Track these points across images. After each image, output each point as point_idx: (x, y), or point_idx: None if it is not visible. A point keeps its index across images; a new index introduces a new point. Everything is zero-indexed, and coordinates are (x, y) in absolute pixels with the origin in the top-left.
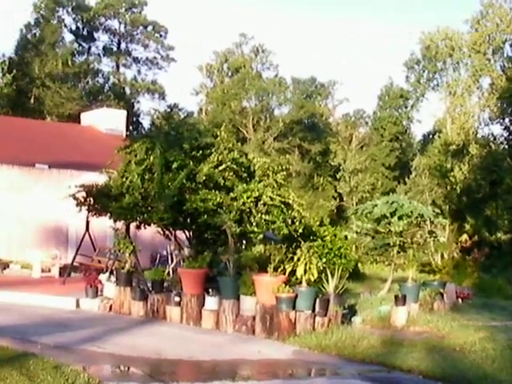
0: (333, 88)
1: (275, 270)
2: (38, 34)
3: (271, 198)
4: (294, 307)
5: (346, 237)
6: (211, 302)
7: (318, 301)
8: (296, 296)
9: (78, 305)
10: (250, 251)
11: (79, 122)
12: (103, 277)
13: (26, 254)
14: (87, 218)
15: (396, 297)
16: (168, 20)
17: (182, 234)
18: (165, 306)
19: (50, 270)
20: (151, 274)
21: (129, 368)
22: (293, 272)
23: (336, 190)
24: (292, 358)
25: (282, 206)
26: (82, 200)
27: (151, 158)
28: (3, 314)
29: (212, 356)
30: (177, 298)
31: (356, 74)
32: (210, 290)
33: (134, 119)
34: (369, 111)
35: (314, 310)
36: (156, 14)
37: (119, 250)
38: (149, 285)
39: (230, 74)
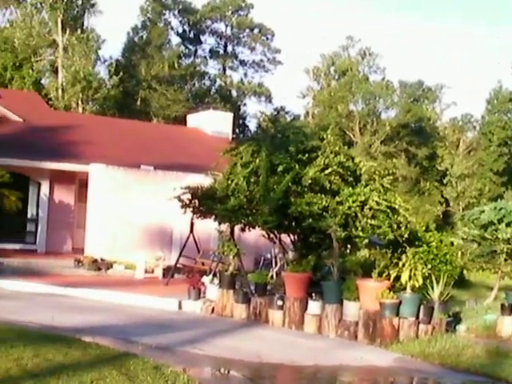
0: (440, 91)
1: (379, 275)
2: (144, 37)
3: (377, 203)
4: (397, 314)
5: (452, 243)
6: (314, 306)
7: (422, 308)
8: (400, 302)
9: (180, 306)
10: (355, 256)
11: (185, 124)
12: (206, 279)
13: (131, 254)
14: (192, 219)
15: (502, 305)
16: (274, 23)
17: (286, 238)
18: (267, 309)
19: (153, 271)
20: (254, 277)
21: (229, 371)
22: (397, 278)
23: (442, 195)
24: (394, 366)
25: (388, 210)
26: (187, 202)
27: (257, 160)
28: (106, 314)
29: (313, 361)
30: (279, 302)
31: (464, 77)
32: (314, 295)
33: (241, 122)
34: (477, 115)
35: (417, 317)
36: (262, 16)
37: (223, 253)
38: (252, 288)
39: (336, 77)
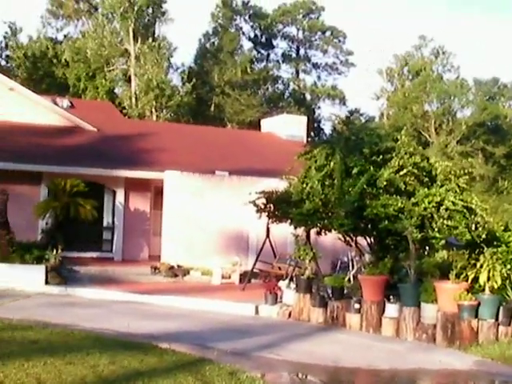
0: None
1: (457, 276)
2: (216, 43)
3: (453, 203)
4: (476, 316)
5: None
6: (392, 309)
7: (501, 309)
8: (478, 304)
9: (257, 311)
10: (432, 257)
11: (259, 129)
12: (283, 283)
13: (207, 260)
14: (267, 224)
15: None
16: (346, 25)
17: (362, 240)
18: (344, 312)
19: (230, 277)
20: (331, 281)
21: (306, 376)
22: (475, 279)
23: None
24: (474, 369)
25: (465, 210)
26: (263, 206)
27: (331, 163)
28: (182, 320)
29: (391, 364)
30: (357, 305)
31: None
32: (391, 297)
33: (315, 125)
34: None
35: (497, 319)
36: (333, 18)
37: (299, 257)
38: (329, 291)
39: (410, 77)
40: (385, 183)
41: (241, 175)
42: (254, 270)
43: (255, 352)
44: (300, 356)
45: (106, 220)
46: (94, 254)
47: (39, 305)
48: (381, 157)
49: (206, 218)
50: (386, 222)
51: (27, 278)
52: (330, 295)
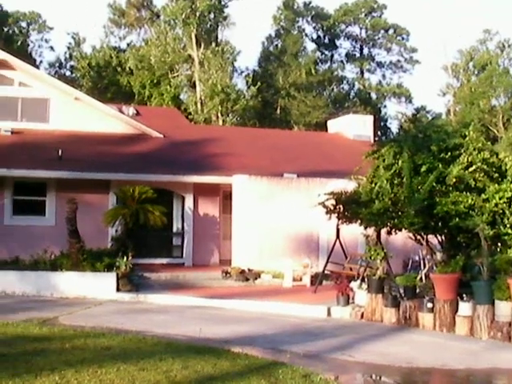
0: None
1: None
2: (279, 45)
3: None
4: None
5: None
6: (465, 307)
7: None
8: None
9: (329, 313)
10: (505, 254)
11: (326, 130)
12: (354, 284)
13: (278, 263)
14: (337, 225)
15: None
16: (409, 21)
17: (433, 239)
18: (417, 312)
19: (301, 279)
20: (403, 280)
21: (380, 377)
22: None
23: None
24: None
25: None
26: (332, 208)
27: (399, 162)
28: (254, 324)
29: (466, 364)
30: (429, 304)
31: None
32: (464, 295)
33: (382, 124)
34: None
35: None
36: (396, 16)
37: (370, 257)
38: (401, 291)
39: (476, 72)
40: (454, 180)
41: (309, 177)
42: (325, 272)
43: (328, 354)
44: (373, 357)
45: (176, 226)
46: (165, 260)
47: (111, 312)
48: (449, 154)
49: (276, 221)
50: (457, 220)
51: (98, 285)
52: (402, 295)
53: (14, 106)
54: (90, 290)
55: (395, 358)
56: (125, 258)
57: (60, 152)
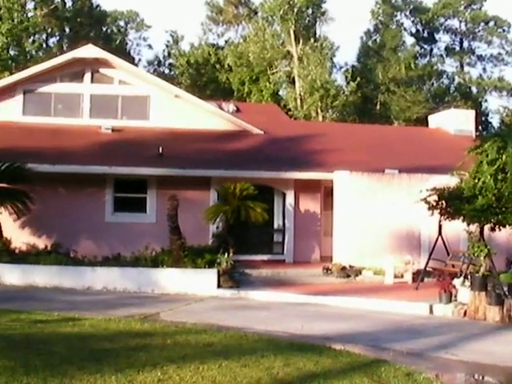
0: None
1: None
2: (378, 40)
3: None
4: None
5: None
6: None
7: None
8: None
9: (431, 311)
10: None
11: (426, 125)
12: (457, 281)
13: (379, 260)
14: (439, 221)
15: None
16: (510, 14)
17: None
18: None
19: (402, 276)
20: (507, 278)
21: (483, 377)
22: None
23: None
24: None
25: None
26: (434, 204)
27: (503, 157)
28: (355, 321)
29: None
30: None
31: None
32: None
33: (483, 118)
34: None
35: None
36: (496, 8)
37: (473, 254)
38: (505, 289)
39: None
40: None
41: (410, 173)
42: (427, 269)
43: (431, 352)
44: (477, 356)
45: (277, 222)
46: (265, 257)
47: (212, 308)
48: None
49: (377, 217)
50: None
51: (199, 282)
52: (506, 293)
53: (114, 103)
54: (190, 287)
55: (500, 358)
56: (226, 255)
57: (161, 149)
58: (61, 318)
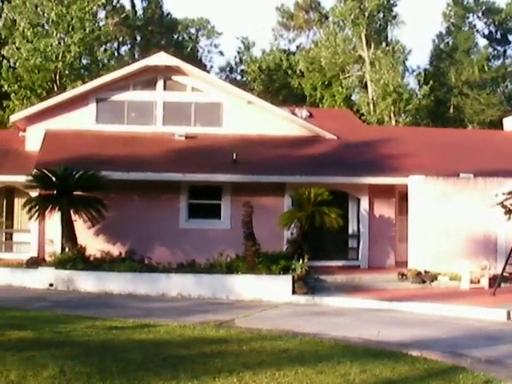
0: None
1: None
2: (450, 43)
3: None
4: None
5: None
6: None
7: None
8: None
9: (508, 317)
10: None
11: (501, 128)
12: None
13: (454, 265)
14: None
15: None
16: None
17: None
18: None
19: (478, 281)
20: None
21: None
22: None
23: None
24: None
25: None
26: (511, 207)
27: None
28: (431, 327)
29: None
30: None
31: None
32: None
33: None
34: None
35: None
36: None
37: None
38: None
39: None
40: None
41: (486, 176)
42: (504, 274)
43: (510, 360)
44: None
45: (351, 228)
46: (340, 263)
47: (287, 314)
48: None
49: (452, 222)
50: None
51: (274, 288)
52: None
53: (187, 111)
54: (265, 293)
55: None
56: (300, 261)
57: (235, 156)
58: (136, 325)
